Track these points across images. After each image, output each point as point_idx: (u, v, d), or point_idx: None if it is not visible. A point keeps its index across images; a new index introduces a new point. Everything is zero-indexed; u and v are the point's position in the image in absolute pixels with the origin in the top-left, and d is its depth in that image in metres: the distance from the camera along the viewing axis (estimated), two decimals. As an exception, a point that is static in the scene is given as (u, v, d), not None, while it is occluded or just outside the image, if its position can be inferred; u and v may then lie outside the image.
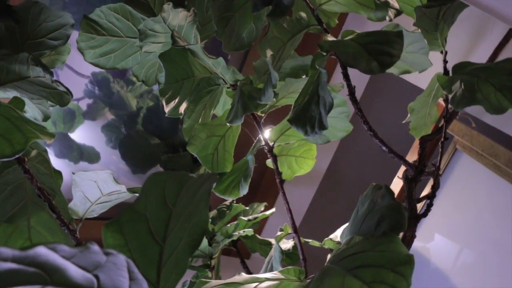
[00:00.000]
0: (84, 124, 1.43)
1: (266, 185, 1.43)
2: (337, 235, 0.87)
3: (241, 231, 0.87)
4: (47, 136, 0.49)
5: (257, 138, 0.79)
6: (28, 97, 0.63)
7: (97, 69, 1.37)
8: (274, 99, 0.77)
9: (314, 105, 0.56)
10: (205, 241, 0.85)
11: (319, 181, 1.47)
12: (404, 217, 0.51)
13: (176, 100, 0.79)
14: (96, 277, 0.27)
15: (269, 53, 0.62)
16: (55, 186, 0.63)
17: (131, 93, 1.42)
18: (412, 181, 0.67)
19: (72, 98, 0.60)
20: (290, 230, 0.83)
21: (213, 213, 0.99)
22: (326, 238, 0.87)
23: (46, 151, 0.66)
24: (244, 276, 0.57)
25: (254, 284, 0.54)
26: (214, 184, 0.76)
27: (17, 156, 0.45)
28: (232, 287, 0.54)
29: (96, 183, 0.60)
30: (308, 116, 0.56)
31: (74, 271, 0.26)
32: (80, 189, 0.61)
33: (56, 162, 1.41)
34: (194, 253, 0.88)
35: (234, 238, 0.88)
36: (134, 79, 1.44)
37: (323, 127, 0.54)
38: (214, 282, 0.56)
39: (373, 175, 1.40)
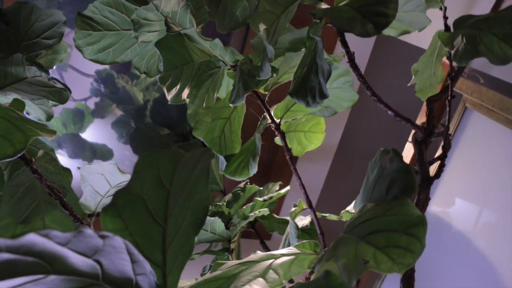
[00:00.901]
0: (94, 122, 1.43)
1: (279, 164, 1.42)
2: (352, 207, 0.87)
3: (257, 212, 0.87)
4: (47, 133, 0.49)
5: (262, 116, 0.78)
6: (29, 98, 0.63)
7: (101, 67, 1.38)
8: (275, 75, 0.76)
9: (313, 75, 0.55)
10: (222, 225, 0.85)
11: (332, 155, 1.46)
12: (413, 178, 0.50)
13: (178, 86, 0.78)
14: (98, 262, 0.27)
15: (262, 27, 0.61)
16: (65, 184, 0.64)
17: (136, 87, 1.42)
18: (422, 143, 0.66)
19: (70, 94, 0.60)
20: (305, 206, 0.83)
21: (228, 196, 0.99)
22: (343, 211, 0.87)
23: (53, 150, 0.66)
24: (259, 254, 0.57)
25: (270, 261, 0.54)
26: (225, 165, 0.76)
27: (19, 155, 0.46)
28: (247, 266, 0.53)
29: (103, 176, 0.60)
30: (308, 87, 0.56)
31: (74, 258, 0.26)
32: (89, 183, 0.61)
33: (70, 163, 1.43)
34: (213, 238, 0.88)
35: (251, 219, 0.88)
36: (138, 72, 1.43)
37: (323, 96, 0.54)
38: (230, 262, 0.56)
39: (386, 144, 1.38)
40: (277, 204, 1.19)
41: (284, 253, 0.56)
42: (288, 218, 1.02)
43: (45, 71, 0.57)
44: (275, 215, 1.03)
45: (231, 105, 0.73)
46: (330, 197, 1.50)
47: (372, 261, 0.42)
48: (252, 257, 0.56)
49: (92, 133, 1.43)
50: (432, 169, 0.68)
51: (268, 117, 0.79)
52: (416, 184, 0.50)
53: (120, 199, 0.28)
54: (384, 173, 0.54)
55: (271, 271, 0.52)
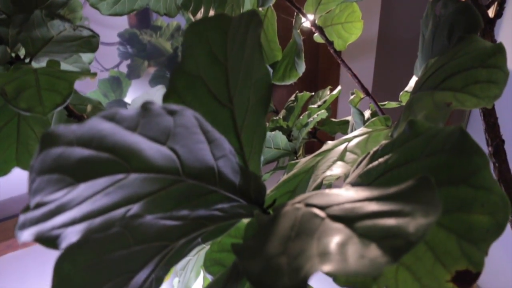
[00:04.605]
0: (132, 85, 1.43)
1: (324, 70, 1.38)
2: (411, 85, 0.82)
3: (315, 116, 0.85)
4: (88, 75, 0.48)
5: (295, 13, 0.74)
6: (61, 59, 0.62)
7: (122, 28, 1.35)
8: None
9: None
10: (284, 138, 0.84)
11: (375, 44, 1.39)
12: (476, 13, 0.45)
13: (202, 10, 0.75)
14: (175, 152, 0.26)
15: None
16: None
17: (162, 38, 1.39)
18: (472, -13, 0.60)
19: (99, 38, 0.58)
20: (362, 95, 0.80)
21: (282, 113, 0.98)
22: (401, 93, 0.83)
23: (100, 103, 0.66)
24: (331, 142, 0.55)
25: (344, 145, 0.52)
26: (272, 73, 0.73)
27: (68, 100, 0.45)
28: (322, 156, 0.52)
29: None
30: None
31: (149, 148, 0.24)
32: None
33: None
34: (278, 153, 0.87)
35: (310, 125, 0.86)
36: (159, 22, 1.40)
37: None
38: (304, 159, 0.54)
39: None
40: (332, 110, 1.16)
41: (356, 134, 0.54)
42: (347, 118, 0.99)
43: (67, 20, 0.55)
44: (334, 119, 1.00)
45: (260, 9, 0.70)
46: (384, 87, 1.45)
47: (455, 101, 0.39)
48: (325, 147, 0.54)
49: (134, 96, 1.43)
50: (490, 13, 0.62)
51: (301, 15, 0.75)
52: (480, 18, 0.45)
53: (178, 82, 0.26)
54: (440, 21, 0.50)
55: (348, 153, 0.50)
